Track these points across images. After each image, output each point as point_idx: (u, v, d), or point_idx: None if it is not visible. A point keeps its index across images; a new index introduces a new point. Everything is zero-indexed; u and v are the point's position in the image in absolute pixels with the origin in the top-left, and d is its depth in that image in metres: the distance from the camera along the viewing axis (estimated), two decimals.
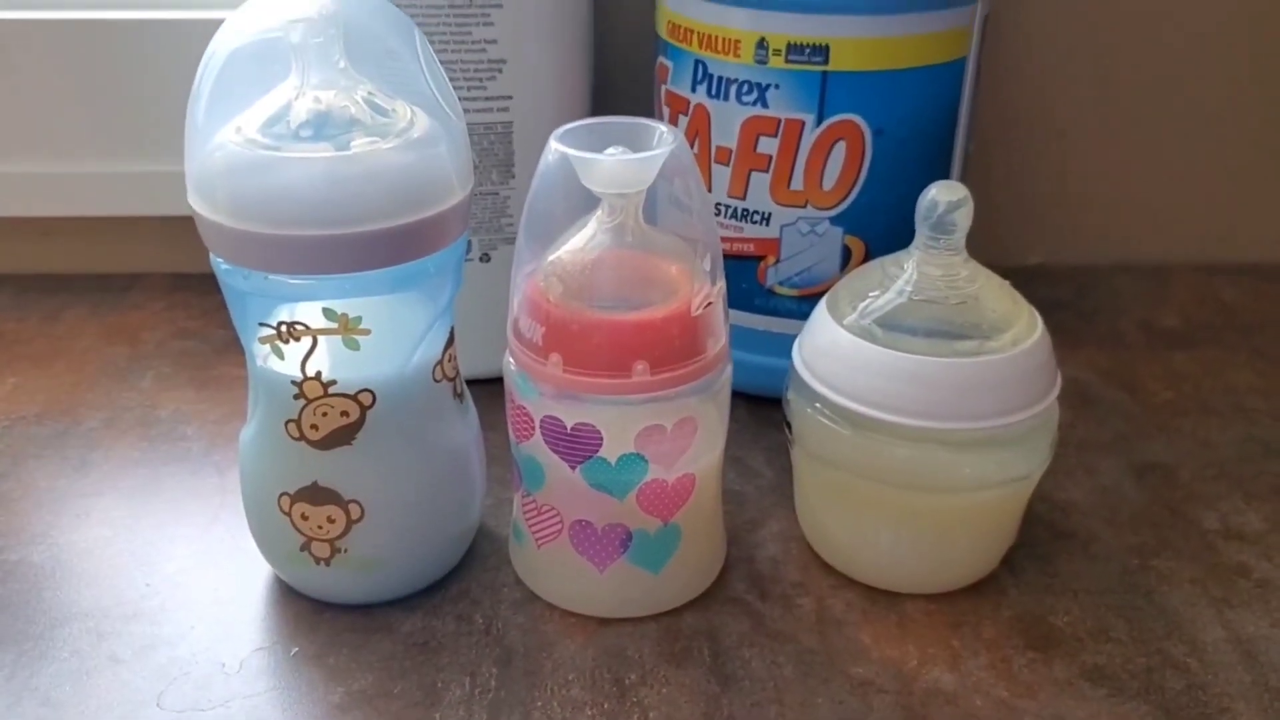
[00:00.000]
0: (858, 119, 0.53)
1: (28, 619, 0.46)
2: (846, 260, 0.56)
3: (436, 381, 0.45)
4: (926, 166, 0.55)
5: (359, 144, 0.40)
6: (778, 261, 0.56)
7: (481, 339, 0.51)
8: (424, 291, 0.44)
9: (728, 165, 0.55)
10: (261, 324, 0.42)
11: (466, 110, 0.48)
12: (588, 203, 0.43)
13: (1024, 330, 0.45)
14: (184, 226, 0.44)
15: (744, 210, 0.56)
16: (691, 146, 0.55)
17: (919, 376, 0.44)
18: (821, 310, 0.47)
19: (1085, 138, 0.74)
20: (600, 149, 0.41)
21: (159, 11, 0.68)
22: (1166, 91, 0.72)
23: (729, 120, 0.54)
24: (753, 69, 0.53)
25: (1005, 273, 0.47)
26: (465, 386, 0.48)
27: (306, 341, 0.42)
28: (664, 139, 0.42)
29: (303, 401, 0.43)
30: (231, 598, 0.48)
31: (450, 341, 0.46)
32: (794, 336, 0.49)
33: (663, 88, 0.58)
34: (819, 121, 0.53)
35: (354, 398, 0.43)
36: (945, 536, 0.47)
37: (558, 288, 0.42)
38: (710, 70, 0.54)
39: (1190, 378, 0.64)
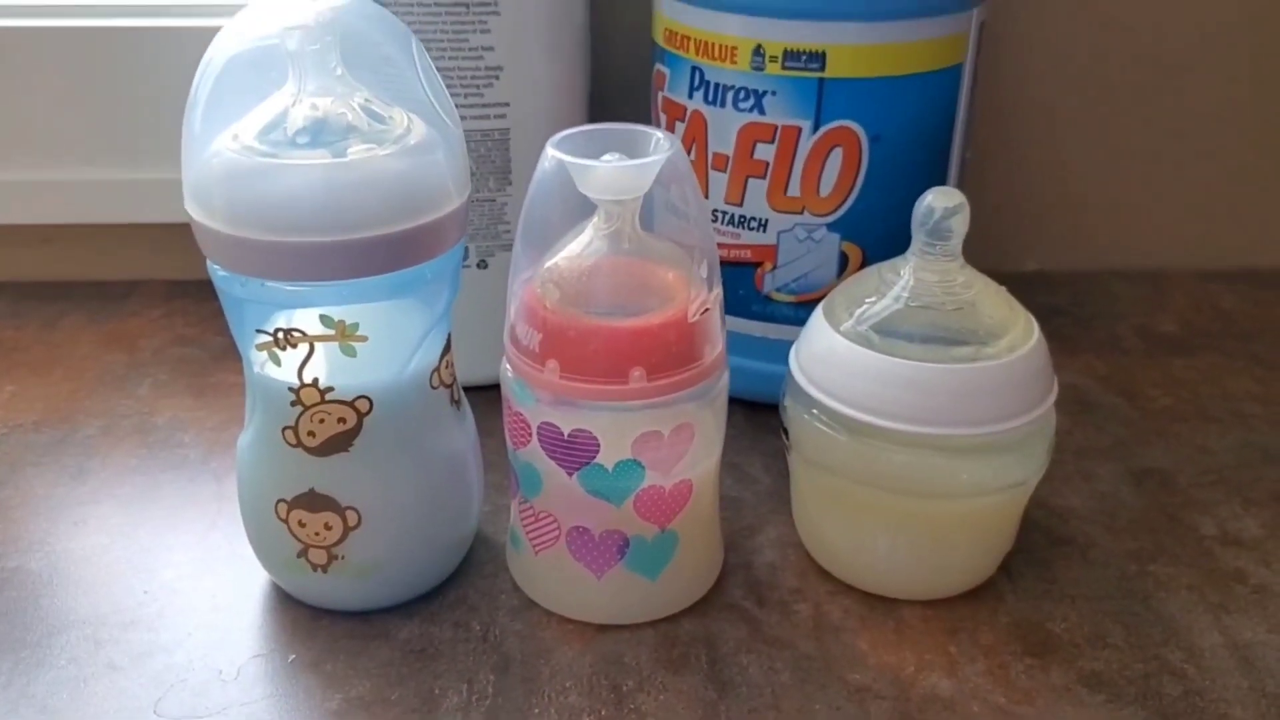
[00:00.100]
0: (854, 125, 0.53)
1: (25, 626, 0.46)
2: (843, 266, 0.56)
3: (433, 388, 0.45)
4: (923, 173, 0.55)
5: (356, 151, 0.40)
6: (775, 268, 0.57)
7: (478, 345, 0.51)
8: (421, 298, 0.44)
9: (725, 172, 0.55)
10: (259, 331, 0.42)
11: (463, 117, 0.48)
12: (584, 209, 0.43)
13: (1020, 336, 0.45)
14: (181, 234, 0.44)
15: (741, 216, 0.56)
16: (688, 153, 0.56)
17: (916, 382, 0.44)
18: (818, 316, 0.47)
19: (1082, 144, 0.74)
20: (597, 155, 0.41)
21: (156, 19, 0.68)
22: (1164, 97, 0.73)
23: (726, 127, 0.54)
24: (749, 75, 0.53)
25: (1002, 279, 0.47)
26: (462, 393, 0.48)
27: (303, 348, 0.42)
28: (660, 145, 0.42)
29: (300, 408, 0.43)
30: (229, 605, 0.48)
31: (447, 348, 0.46)
32: (791, 343, 0.49)
33: (659, 94, 0.58)
34: (816, 128, 0.53)
35: (351, 404, 0.43)
36: (942, 542, 0.47)
37: (555, 294, 0.42)
38: (707, 77, 0.54)
39: (1188, 384, 0.64)
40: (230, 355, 0.59)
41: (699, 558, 0.48)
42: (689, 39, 0.54)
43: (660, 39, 0.57)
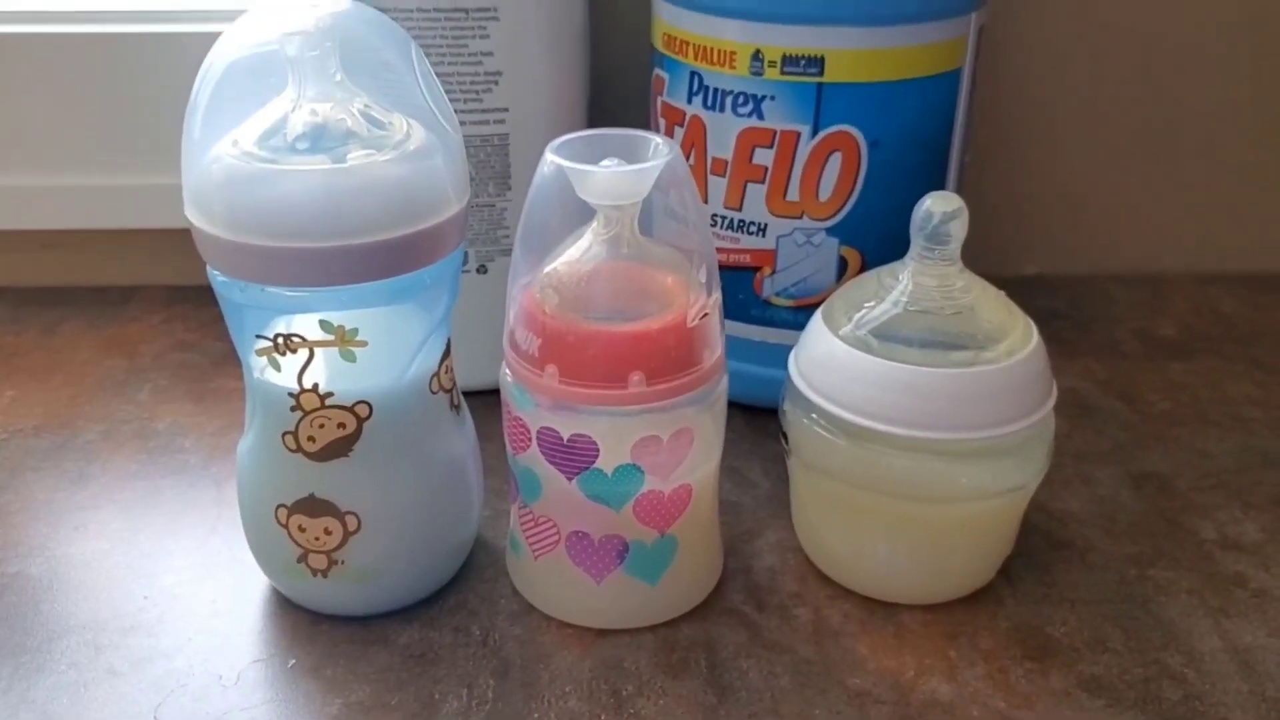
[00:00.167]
0: (853, 130, 0.53)
1: (25, 631, 0.46)
2: (842, 271, 0.56)
3: (433, 393, 0.45)
4: (922, 177, 0.55)
5: (355, 156, 0.40)
6: (774, 272, 0.57)
7: (478, 350, 0.51)
8: (420, 303, 0.44)
9: (724, 176, 0.55)
10: (258, 336, 0.42)
11: (463, 122, 0.48)
12: (584, 214, 0.43)
13: (1019, 340, 0.45)
14: (181, 239, 0.44)
15: (740, 221, 0.56)
16: (687, 158, 0.56)
17: (915, 387, 0.44)
18: (817, 321, 0.47)
19: (1081, 147, 0.74)
20: (596, 161, 0.41)
21: (156, 25, 0.68)
22: (1163, 101, 0.73)
23: (725, 132, 0.54)
24: (748, 81, 0.53)
25: (1001, 283, 0.47)
26: (462, 398, 0.48)
27: (303, 353, 0.42)
28: (659, 150, 0.42)
29: (300, 413, 0.43)
30: (229, 610, 0.48)
31: (447, 353, 0.46)
32: (790, 347, 0.49)
33: (658, 99, 0.58)
34: (815, 133, 0.53)
35: (351, 409, 0.43)
36: (942, 547, 0.47)
37: (554, 299, 0.43)
38: (706, 82, 0.54)
39: (1187, 388, 0.64)
40: (230, 360, 0.59)
41: (698, 562, 0.48)
42: (688, 44, 0.54)
43: (659, 44, 0.57)
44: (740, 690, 0.44)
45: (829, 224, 0.55)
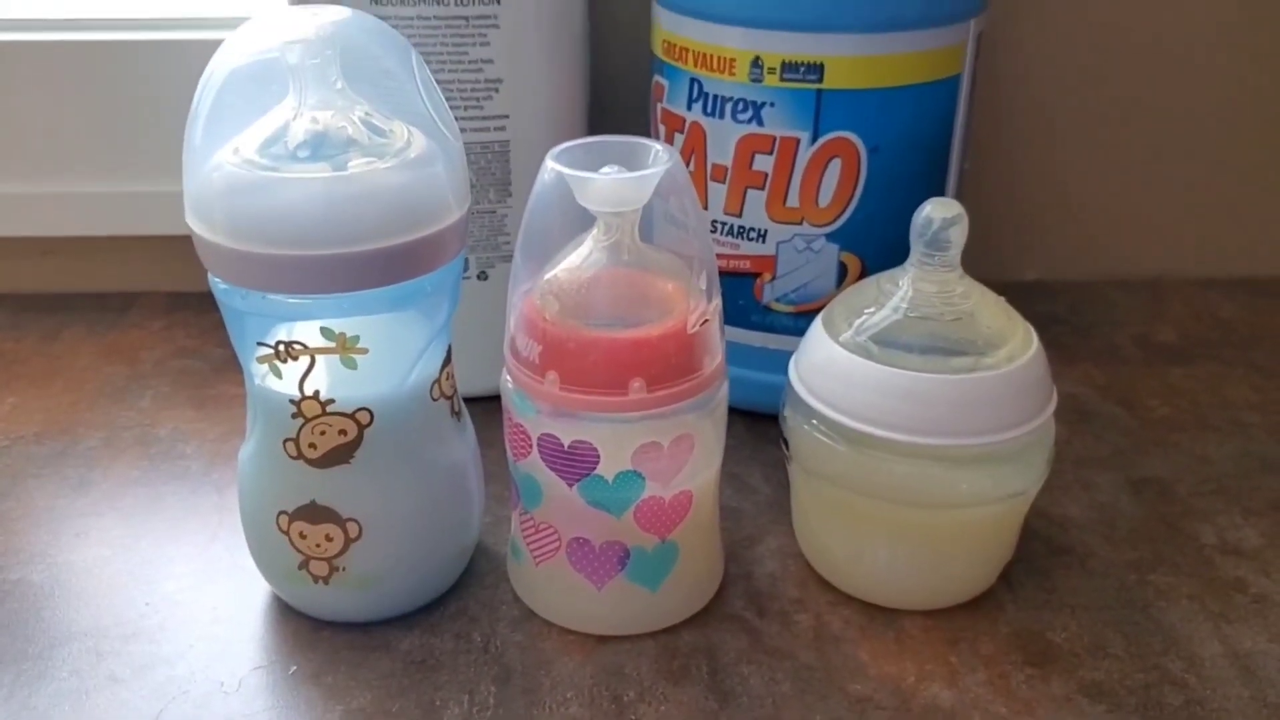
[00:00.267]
0: (853, 136, 0.53)
1: (26, 638, 0.46)
2: (842, 277, 0.56)
3: (434, 400, 0.45)
4: (922, 183, 0.55)
5: (356, 164, 0.40)
6: (774, 278, 0.57)
7: (479, 357, 0.51)
8: (421, 310, 0.44)
9: (723, 183, 0.55)
10: (259, 343, 0.42)
11: (463, 130, 0.48)
12: (584, 221, 0.43)
13: (1019, 346, 0.45)
14: (182, 246, 0.44)
15: (740, 227, 0.56)
16: (687, 164, 0.56)
17: (915, 393, 0.44)
18: (817, 327, 0.47)
19: (1081, 153, 0.74)
20: (596, 168, 0.41)
21: (157, 33, 0.68)
22: (1162, 106, 0.73)
23: (724, 138, 0.55)
24: (748, 87, 0.53)
25: (1001, 288, 0.47)
26: (463, 405, 0.49)
27: (304, 360, 0.42)
28: (659, 157, 0.42)
29: (301, 420, 0.43)
30: (230, 616, 0.48)
31: (448, 360, 0.46)
32: (790, 353, 0.49)
33: (658, 106, 0.58)
34: (814, 139, 0.53)
35: (352, 416, 0.43)
36: (942, 552, 0.47)
37: (554, 306, 0.43)
38: (705, 89, 0.54)
39: (1187, 393, 0.64)
40: (231, 367, 0.59)
41: (699, 568, 0.48)
42: (687, 51, 0.54)
43: (659, 51, 0.57)
44: (741, 696, 0.44)
45: (829, 230, 0.55)
